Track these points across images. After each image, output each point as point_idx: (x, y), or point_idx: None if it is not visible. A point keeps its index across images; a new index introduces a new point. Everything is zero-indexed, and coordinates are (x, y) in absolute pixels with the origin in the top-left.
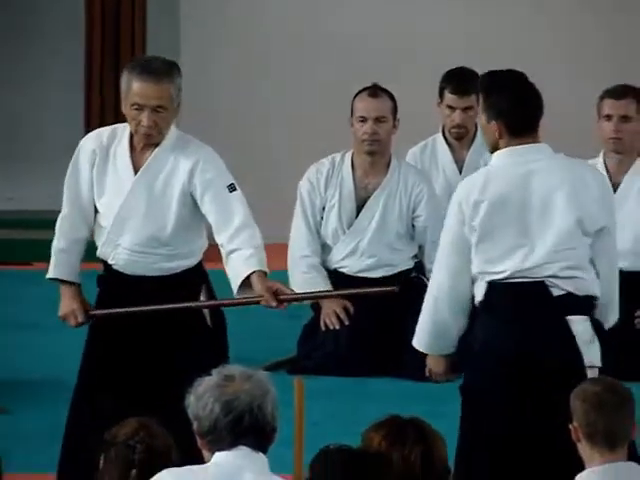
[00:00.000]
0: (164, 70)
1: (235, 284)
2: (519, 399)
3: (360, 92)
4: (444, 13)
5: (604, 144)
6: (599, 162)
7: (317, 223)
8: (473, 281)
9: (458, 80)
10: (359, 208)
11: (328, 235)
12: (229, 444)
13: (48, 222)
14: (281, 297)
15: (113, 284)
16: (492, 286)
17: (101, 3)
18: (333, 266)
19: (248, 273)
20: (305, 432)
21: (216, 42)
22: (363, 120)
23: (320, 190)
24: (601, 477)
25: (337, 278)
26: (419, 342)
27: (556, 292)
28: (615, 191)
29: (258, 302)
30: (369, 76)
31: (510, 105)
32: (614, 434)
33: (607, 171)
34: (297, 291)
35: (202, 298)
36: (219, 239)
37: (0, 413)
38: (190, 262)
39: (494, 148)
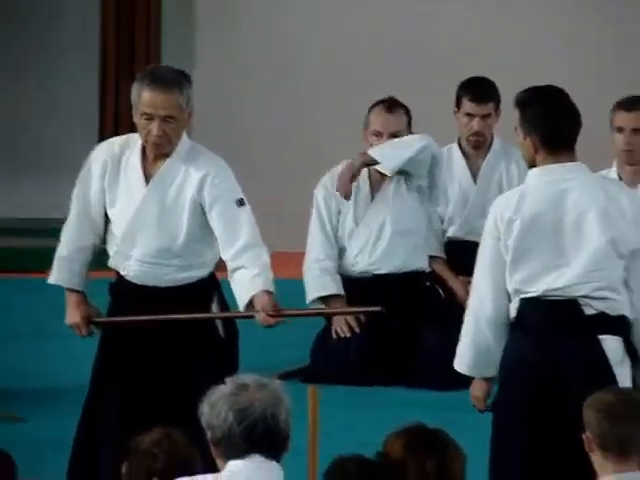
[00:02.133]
0: (173, 79)
1: (241, 303)
2: (549, 416)
3: (376, 105)
4: (460, 21)
5: (617, 156)
6: (613, 173)
7: (333, 228)
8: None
9: (477, 87)
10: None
11: (345, 236)
12: (243, 452)
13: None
14: (270, 313)
15: (125, 293)
16: (524, 303)
17: (116, 10)
18: (348, 266)
19: (254, 293)
20: (318, 442)
21: (231, 50)
22: (379, 135)
23: (332, 197)
24: None
25: (349, 281)
26: (460, 364)
27: (588, 311)
28: None
29: (252, 317)
30: (385, 86)
31: (543, 119)
32: (628, 444)
33: (620, 180)
34: (309, 294)
35: (214, 308)
36: (224, 255)
37: (13, 421)
38: (202, 273)
39: (531, 165)
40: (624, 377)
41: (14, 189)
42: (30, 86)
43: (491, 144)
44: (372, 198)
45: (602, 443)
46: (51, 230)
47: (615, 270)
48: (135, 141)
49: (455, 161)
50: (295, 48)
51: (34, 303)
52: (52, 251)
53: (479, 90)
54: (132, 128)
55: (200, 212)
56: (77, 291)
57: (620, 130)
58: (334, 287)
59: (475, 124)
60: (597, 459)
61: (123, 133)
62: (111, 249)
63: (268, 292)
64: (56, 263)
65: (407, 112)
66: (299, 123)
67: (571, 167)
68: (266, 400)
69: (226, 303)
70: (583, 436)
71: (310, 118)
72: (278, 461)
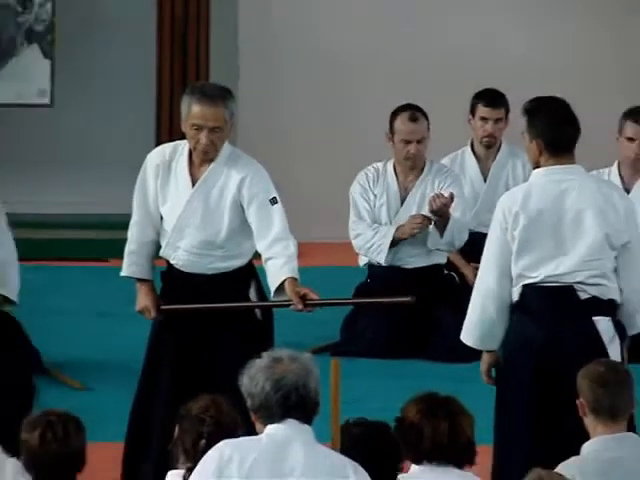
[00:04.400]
0: (220, 95)
1: (271, 289)
2: (549, 388)
3: (399, 112)
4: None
5: (622, 159)
6: (614, 170)
7: (372, 216)
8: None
9: (490, 95)
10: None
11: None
12: (279, 417)
13: (123, 224)
14: (308, 302)
15: (174, 280)
16: (527, 288)
17: (170, 34)
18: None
19: (281, 280)
20: (345, 408)
21: (269, 67)
22: (407, 142)
23: (369, 191)
24: (605, 445)
25: (377, 269)
26: (469, 338)
27: (583, 296)
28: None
29: (288, 306)
30: (414, 93)
31: (548, 126)
32: (617, 408)
33: (621, 178)
34: (385, 241)
35: (252, 292)
36: (258, 246)
37: (80, 389)
38: (241, 261)
39: (536, 165)
40: (615, 353)
41: (81, 188)
42: (99, 101)
43: (499, 148)
44: (401, 199)
45: (594, 408)
46: (114, 223)
47: (607, 260)
48: (182, 147)
49: (467, 163)
50: (328, 62)
51: (101, 288)
52: (115, 242)
53: (493, 97)
54: (184, 136)
55: (240, 209)
56: (146, 280)
57: (630, 140)
58: (390, 231)
59: (489, 127)
60: (589, 422)
61: (177, 139)
62: (162, 242)
63: (294, 279)
64: (126, 258)
65: (426, 117)
66: (336, 134)
67: (570, 169)
68: (298, 371)
69: (262, 288)
70: (577, 402)
71: (347, 128)
72: (310, 424)
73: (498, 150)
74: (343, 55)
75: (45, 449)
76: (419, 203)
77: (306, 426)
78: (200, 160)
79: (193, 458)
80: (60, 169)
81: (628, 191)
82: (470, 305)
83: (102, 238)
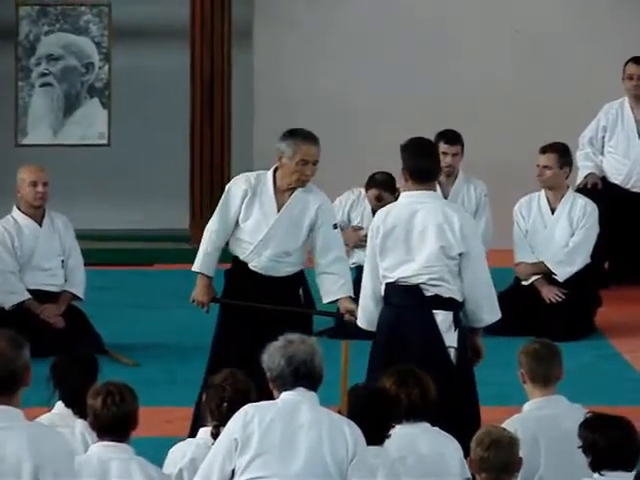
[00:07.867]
0: (315, 137)
1: (326, 298)
2: (400, 354)
3: (372, 187)
4: None
5: (540, 183)
6: (542, 194)
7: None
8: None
9: (448, 134)
10: None
11: None
12: (291, 386)
13: (163, 237)
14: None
15: (242, 278)
16: (388, 286)
17: (200, 86)
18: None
19: (340, 297)
20: (348, 378)
21: (280, 110)
22: (378, 198)
23: (344, 208)
24: (540, 405)
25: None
26: (360, 322)
27: (427, 293)
28: (553, 213)
29: (342, 316)
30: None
31: (411, 160)
32: (549, 377)
33: (547, 199)
34: None
35: (300, 292)
36: (320, 260)
37: (133, 365)
38: (299, 267)
39: (405, 189)
40: (451, 339)
41: (131, 208)
42: (145, 142)
43: (457, 175)
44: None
45: (531, 377)
46: (157, 236)
47: (444, 267)
48: (265, 177)
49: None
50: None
51: (147, 286)
52: (157, 251)
53: (450, 135)
54: (212, 164)
55: (310, 228)
56: (209, 277)
57: (544, 167)
58: None
59: (448, 159)
60: (528, 387)
61: (205, 172)
62: (239, 248)
63: (352, 297)
64: (201, 257)
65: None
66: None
67: (425, 194)
68: (306, 350)
69: (309, 290)
70: (518, 372)
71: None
72: (315, 391)
73: (456, 177)
74: (347, 98)
75: (106, 412)
76: None
77: (312, 393)
78: (285, 188)
79: (218, 418)
80: (115, 194)
81: (554, 210)
82: (359, 301)
83: (147, 248)
